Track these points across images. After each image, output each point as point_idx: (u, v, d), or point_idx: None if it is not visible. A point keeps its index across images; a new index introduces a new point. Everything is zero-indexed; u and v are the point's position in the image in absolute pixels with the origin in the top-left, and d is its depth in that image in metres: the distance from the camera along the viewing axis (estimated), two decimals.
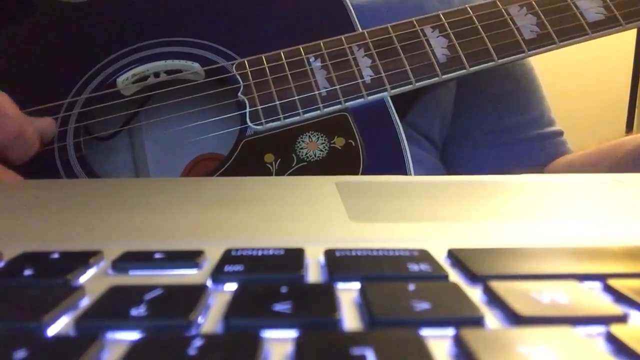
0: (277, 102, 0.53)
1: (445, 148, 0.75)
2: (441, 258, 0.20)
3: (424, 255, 0.19)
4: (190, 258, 0.19)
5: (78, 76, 0.56)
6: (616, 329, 0.14)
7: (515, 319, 0.15)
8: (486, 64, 0.55)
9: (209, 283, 0.18)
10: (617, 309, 0.15)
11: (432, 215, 0.27)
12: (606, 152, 0.66)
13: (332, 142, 0.52)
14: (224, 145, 0.54)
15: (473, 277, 0.18)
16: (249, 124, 0.53)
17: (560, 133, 0.76)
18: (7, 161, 0.46)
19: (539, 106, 0.76)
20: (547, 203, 0.31)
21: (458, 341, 0.14)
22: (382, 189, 0.34)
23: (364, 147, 0.52)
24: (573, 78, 1.74)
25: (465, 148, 0.75)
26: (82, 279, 0.18)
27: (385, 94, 0.54)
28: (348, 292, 0.17)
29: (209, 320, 0.16)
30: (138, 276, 0.19)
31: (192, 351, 0.13)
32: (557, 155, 0.73)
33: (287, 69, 0.55)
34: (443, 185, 0.34)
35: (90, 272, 0.19)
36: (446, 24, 0.57)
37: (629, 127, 1.75)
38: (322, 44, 0.56)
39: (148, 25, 0.59)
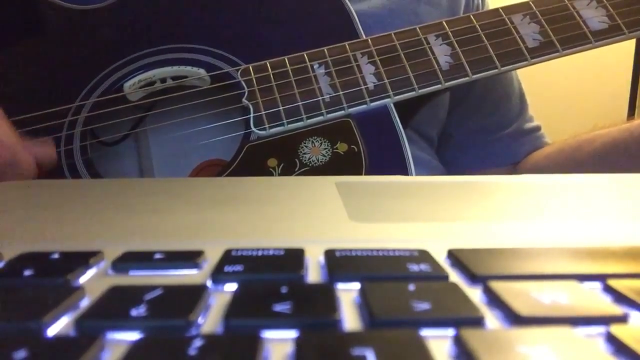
0: (281, 108, 0.53)
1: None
2: (441, 258, 0.20)
3: (424, 256, 0.19)
4: (190, 258, 0.19)
5: (86, 81, 0.56)
6: (616, 329, 0.14)
7: (515, 319, 0.15)
8: (489, 72, 0.55)
9: (209, 283, 0.18)
10: (617, 309, 0.15)
11: (432, 215, 0.27)
12: (570, 154, 0.67)
13: (335, 147, 0.52)
14: (229, 150, 0.54)
15: (473, 277, 0.18)
16: (253, 129, 0.53)
17: (539, 128, 0.78)
18: None
19: (518, 104, 0.78)
20: (547, 203, 0.30)
21: (458, 341, 0.14)
22: (382, 189, 0.34)
23: (367, 153, 0.52)
24: (573, 78, 1.74)
25: (450, 148, 0.77)
26: (82, 279, 0.18)
27: (388, 100, 0.54)
28: (348, 292, 0.17)
29: (209, 320, 0.16)
30: (138, 276, 0.19)
31: (192, 351, 0.13)
32: (536, 149, 0.75)
33: (291, 75, 0.55)
34: (443, 185, 0.34)
35: (90, 272, 0.19)
36: (449, 32, 0.57)
37: None
38: (326, 50, 0.56)
39: (154, 32, 0.59)
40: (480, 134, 0.76)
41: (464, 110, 0.76)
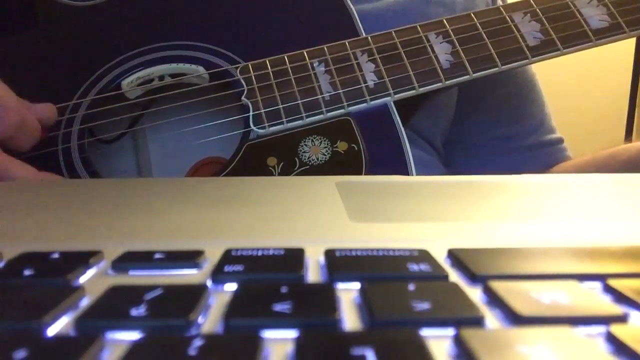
0: (281, 106, 0.53)
1: (445, 153, 0.75)
2: (441, 258, 0.20)
3: (424, 255, 0.19)
4: (190, 258, 0.19)
5: (83, 78, 0.56)
6: (616, 329, 0.14)
7: (515, 319, 0.15)
8: (489, 70, 0.55)
9: (209, 283, 0.18)
10: (617, 309, 0.15)
11: (432, 215, 0.27)
12: (603, 162, 0.66)
13: (334, 146, 0.52)
14: (227, 148, 0.54)
15: (473, 277, 0.18)
16: (252, 127, 0.53)
17: (560, 140, 0.76)
18: (11, 151, 0.46)
19: (539, 114, 0.76)
20: (547, 203, 0.30)
21: (458, 341, 0.14)
22: (382, 189, 0.34)
23: (367, 152, 0.52)
24: (573, 78, 1.74)
25: (464, 154, 0.76)
26: (82, 279, 0.18)
27: (388, 98, 0.54)
28: (348, 292, 0.17)
29: (209, 320, 0.16)
30: (138, 276, 0.19)
31: (192, 351, 0.13)
32: (557, 162, 0.74)
33: (290, 73, 0.55)
34: (443, 185, 0.34)
35: (90, 272, 0.19)
36: (450, 30, 0.57)
37: (629, 129, 1.75)
38: (326, 48, 0.56)
39: (153, 28, 0.59)
40: (497, 142, 0.74)
41: (480, 116, 0.74)
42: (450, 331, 0.14)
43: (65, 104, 0.54)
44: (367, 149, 0.52)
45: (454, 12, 0.68)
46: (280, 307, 0.15)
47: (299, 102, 0.53)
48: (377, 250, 0.20)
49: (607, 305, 0.16)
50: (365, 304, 0.16)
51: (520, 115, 0.75)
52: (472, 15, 0.58)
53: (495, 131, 0.75)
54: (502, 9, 0.58)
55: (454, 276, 0.18)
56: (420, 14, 0.66)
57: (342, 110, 0.53)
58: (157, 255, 0.20)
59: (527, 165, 0.73)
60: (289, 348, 0.14)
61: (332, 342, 0.14)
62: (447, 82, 0.55)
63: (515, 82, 0.74)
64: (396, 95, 0.54)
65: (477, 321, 0.15)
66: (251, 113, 0.53)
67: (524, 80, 0.75)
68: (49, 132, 0.52)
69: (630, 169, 0.61)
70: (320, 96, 0.54)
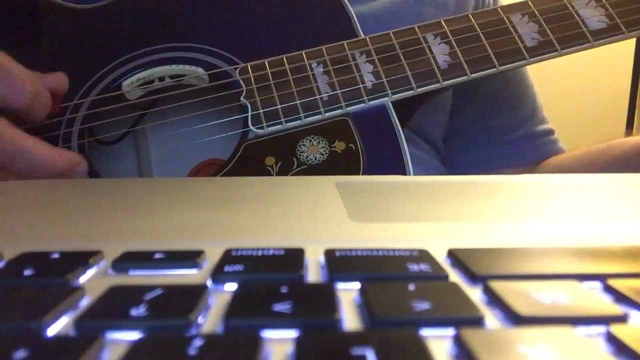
0: (279, 106, 0.53)
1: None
2: (441, 258, 0.20)
3: (424, 255, 0.19)
4: (190, 258, 0.19)
5: (84, 80, 0.56)
6: (616, 329, 0.14)
7: (515, 319, 0.15)
8: (487, 71, 0.55)
9: (209, 283, 0.18)
10: (617, 309, 0.15)
11: (432, 215, 0.27)
12: (596, 155, 0.66)
13: (332, 146, 0.52)
14: (227, 149, 0.54)
15: (473, 277, 0.18)
16: (251, 127, 0.53)
17: (552, 132, 0.77)
18: (25, 122, 0.47)
19: (530, 105, 0.77)
20: (547, 203, 0.30)
21: (458, 341, 0.14)
22: (382, 189, 0.34)
23: (364, 152, 0.52)
24: (573, 78, 1.74)
25: (458, 147, 0.76)
26: (82, 279, 0.18)
27: (386, 99, 0.54)
28: (348, 292, 0.17)
29: (209, 320, 0.16)
30: (138, 276, 0.19)
31: (192, 351, 0.13)
32: (548, 153, 0.74)
33: (289, 74, 0.55)
34: (443, 185, 0.34)
35: (90, 272, 0.19)
36: (448, 31, 0.57)
37: (629, 127, 1.76)
38: (324, 49, 0.56)
39: (153, 31, 0.59)
40: (490, 134, 0.75)
41: (473, 109, 0.75)
42: (450, 331, 0.14)
43: (66, 104, 0.54)
44: (365, 148, 0.52)
45: (446, 11, 0.69)
46: (280, 307, 0.15)
47: (297, 102, 0.53)
48: (377, 250, 0.20)
49: (607, 305, 0.16)
50: (365, 304, 0.16)
51: (511, 107, 0.76)
52: (470, 16, 0.58)
53: (488, 122, 0.75)
54: (500, 10, 0.58)
55: (454, 276, 0.18)
56: (415, 14, 0.66)
57: (340, 111, 0.53)
58: (157, 255, 0.19)
59: (521, 158, 0.74)
60: (289, 348, 0.14)
61: (332, 342, 0.14)
62: (444, 82, 0.55)
63: (505, 74, 0.74)
64: (394, 96, 0.54)
65: (477, 321, 0.15)
66: (250, 113, 0.53)
67: (515, 73, 0.75)
68: (61, 103, 0.52)
69: (623, 163, 0.61)
70: (318, 97, 0.54)
